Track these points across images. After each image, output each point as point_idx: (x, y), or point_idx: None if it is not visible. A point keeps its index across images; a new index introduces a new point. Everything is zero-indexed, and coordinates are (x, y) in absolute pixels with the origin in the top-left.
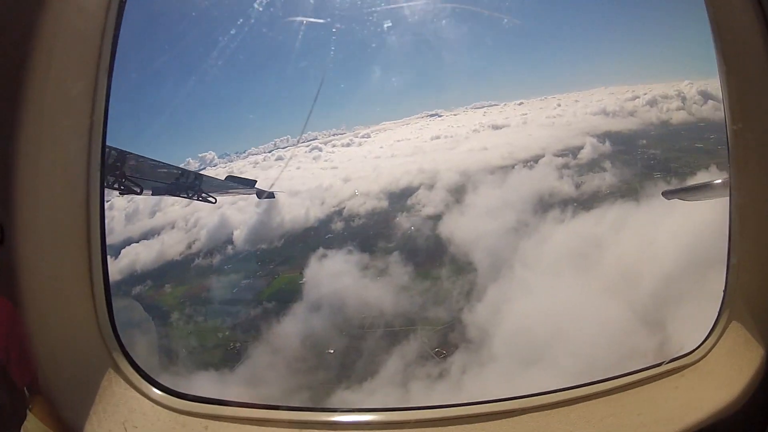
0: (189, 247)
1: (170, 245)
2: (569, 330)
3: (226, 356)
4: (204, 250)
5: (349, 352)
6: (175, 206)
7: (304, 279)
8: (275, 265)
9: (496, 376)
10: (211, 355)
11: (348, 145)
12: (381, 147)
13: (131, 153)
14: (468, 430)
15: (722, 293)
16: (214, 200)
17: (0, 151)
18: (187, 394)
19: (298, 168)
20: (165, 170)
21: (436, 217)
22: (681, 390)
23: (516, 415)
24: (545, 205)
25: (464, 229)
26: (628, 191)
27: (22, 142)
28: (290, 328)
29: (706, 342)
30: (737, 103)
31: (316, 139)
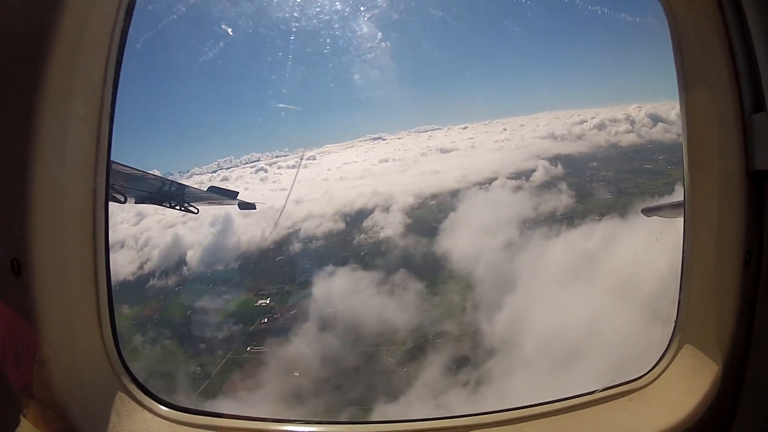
0: (141, 267)
1: (122, 265)
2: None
3: (188, 380)
4: (158, 270)
5: (313, 374)
6: (123, 224)
7: (260, 301)
8: (231, 286)
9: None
10: (172, 379)
11: (294, 166)
12: (329, 169)
13: (116, 162)
14: None
15: (675, 317)
16: (196, 210)
17: (16, 193)
18: (191, 408)
19: (246, 189)
20: (148, 179)
21: (395, 238)
22: (629, 413)
23: None
24: (505, 226)
25: (429, 249)
26: (585, 212)
27: (36, 184)
28: (250, 352)
29: (658, 365)
30: (695, 146)
31: (259, 160)
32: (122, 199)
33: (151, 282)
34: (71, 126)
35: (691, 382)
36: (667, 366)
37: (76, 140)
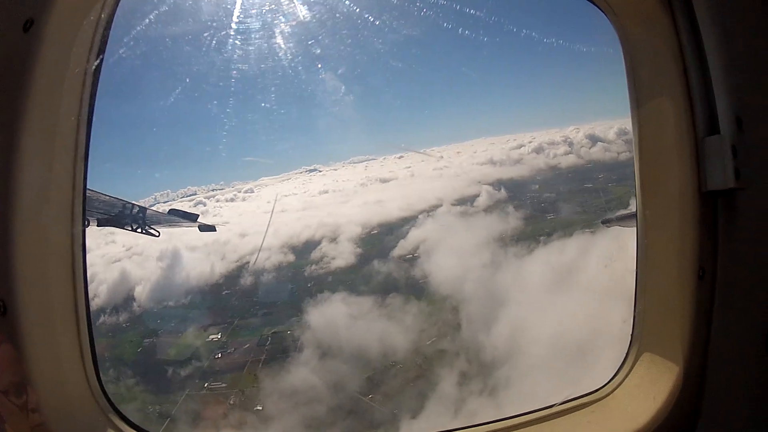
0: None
1: None
2: None
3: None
4: (108, 307)
5: (273, 406)
6: None
7: (211, 336)
8: (181, 322)
9: None
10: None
11: (232, 200)
12: (268, 202)
13: None
14: None
15: (631, 328)
16: (157, 234)
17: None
18: None
19: None
20: (111, 202)
21: (347, 268)
22: (591, 424)
23: None
24: (456, 251)
25: (383, 276)
26: (533, 233)
27: (17, 225)
28: (208, 388)
29: (617, 375)
30: (647, 166)
31: (195, 194)
32: (86, 223)
33: (101, 319)
34: (49, 168)
35: (651, 389)
36: (627, 375)
37: (54, 182)
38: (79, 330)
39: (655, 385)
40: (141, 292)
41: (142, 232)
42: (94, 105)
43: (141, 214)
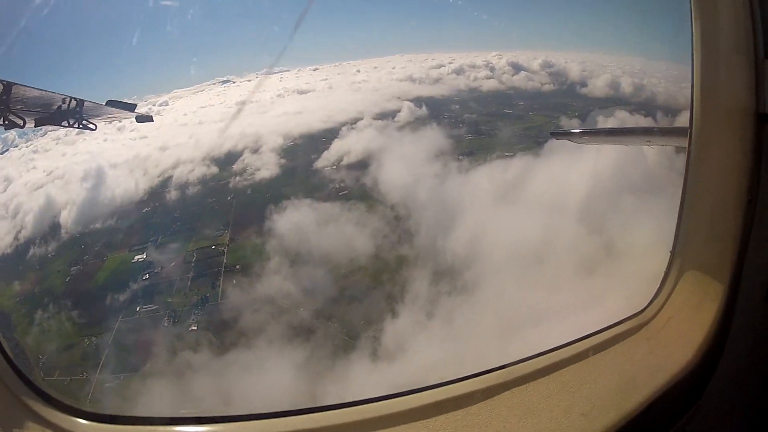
0: (17, 237)
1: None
2: None
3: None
4: (35, 238)
5: (211, 324)
6: None
7: (136, 257)
8: (105, 245)
9: None
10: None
11: (147, 114)
12: (185, 114)
13: (16, 83)
14: (455, 417)
15: (672, 243)
16: (94, 127)
17: None
18: (111, 416)
19: (105, 140)
20: (47, 98)
21: (273, 179)
22: (651, 355)
23: (499, 393)
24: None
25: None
26: (454, 150)
27: None
28: (140, 312)
29: (660, 294)
30: (706, 85)
31: None
32: (21, 124)
33: (31, 252)
34: None
35: (697, 312)
36: (670, 294)
37: None
38: None
39: (700, 308)
40: (66, 217)
41: (79, 127)
42: None
43: (78, 108)
